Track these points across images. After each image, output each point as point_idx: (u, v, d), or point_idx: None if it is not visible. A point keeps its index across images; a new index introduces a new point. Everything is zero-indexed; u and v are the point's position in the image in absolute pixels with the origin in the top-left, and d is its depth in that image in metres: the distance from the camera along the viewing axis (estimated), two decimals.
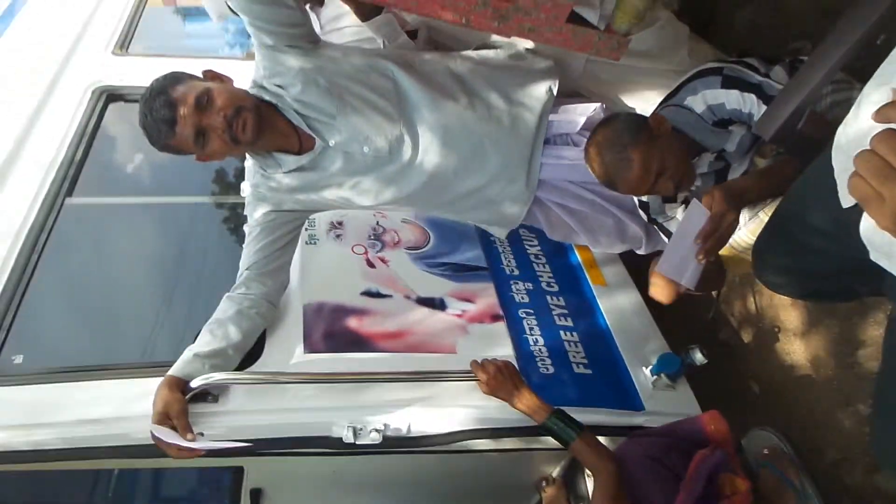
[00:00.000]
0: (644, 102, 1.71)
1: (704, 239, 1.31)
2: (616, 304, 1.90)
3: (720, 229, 1.31)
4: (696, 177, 1.52)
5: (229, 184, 2.18)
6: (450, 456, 1.64)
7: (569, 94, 1.71)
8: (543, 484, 1.82)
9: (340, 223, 1.89)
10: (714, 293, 2.01)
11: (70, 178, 1.93)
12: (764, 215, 1.66)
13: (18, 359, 1.50)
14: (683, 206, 1.61)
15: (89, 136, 2.06)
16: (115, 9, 2.75)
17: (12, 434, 1.37)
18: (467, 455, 1.67)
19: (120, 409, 1.42)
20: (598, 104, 1.63)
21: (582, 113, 1.62)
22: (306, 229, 1.80)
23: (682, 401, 1.68)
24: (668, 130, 1.41)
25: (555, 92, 1.61)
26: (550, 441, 1.59)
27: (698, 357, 1.66)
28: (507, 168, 1.61)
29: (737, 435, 1.56)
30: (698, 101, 1.42)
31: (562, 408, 1.46)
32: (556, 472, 1.86)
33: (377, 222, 1.93)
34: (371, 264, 1.81)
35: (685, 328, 2.07)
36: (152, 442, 1.35)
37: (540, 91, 1.61)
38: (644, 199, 1.64)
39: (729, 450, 1.47)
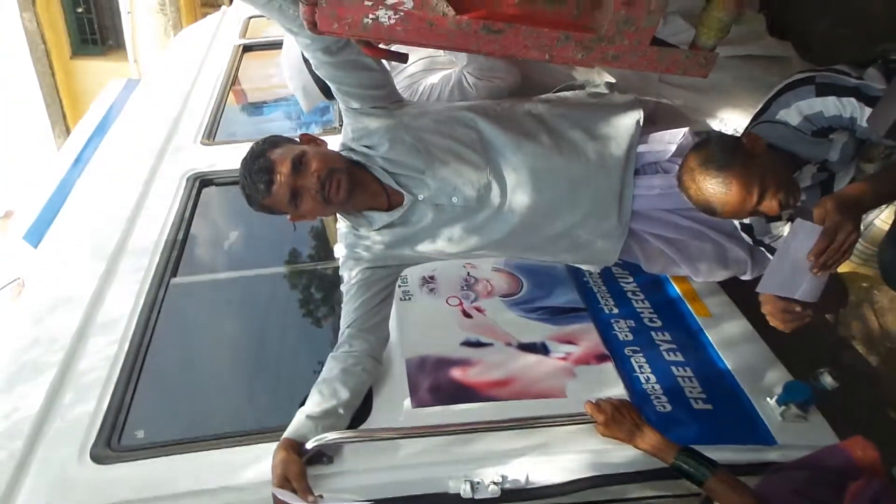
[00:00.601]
0: (730, 100, 1.66)
1: (818, 255, 1.24)
2: (725, 334, 1.80)
3: (836, 243, 1.23)
4: (801, 192, 1.45)
5: (316, 251, 2.25)
6: None
7: (649, 116, 1.68)
8: None
9: (432, 277, 1.90)
10: (829, 315, 1.89)
11: (173, 259, 2.03)
12: (881, 223, 1.56)
13: (140, 434, 1.54)
14: (789, 223, 1.54)
15: (188, 220, 2.18)
16: (199, 106, 2.97)
17: None
18: None
19: (239, 475, 1.42)
20: (686, 129, 1.60)
21: (670, 140, 1.59)
22: (399, 286, 1.82)
23: (816, 431, 1.55)
24: (765, 148, 1.36)
25: (641, 123, 1.60)
26: (678, 486, 1.49)
27: (828, 381, 1.54)
28: (598, 205, 1.59)
29: (887, 463, 1.42)
30: (793, 114, 1.38)
31: (690, 446, 1.37)
32: None
33: (468, 273, 1.93)
34: (467, 314, 1.80)
35: (802, 356, 1.94)
36: None
37: (625, 124, 1.60)
38: (746, 221, 1.58)
39: (883, 479, 1.33)
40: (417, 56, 1.90)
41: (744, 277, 1.78)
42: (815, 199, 1.41)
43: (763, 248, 1.61)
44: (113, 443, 1.50)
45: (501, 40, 1.15)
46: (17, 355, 1.76)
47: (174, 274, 1.99)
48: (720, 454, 1.42)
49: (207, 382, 1.81)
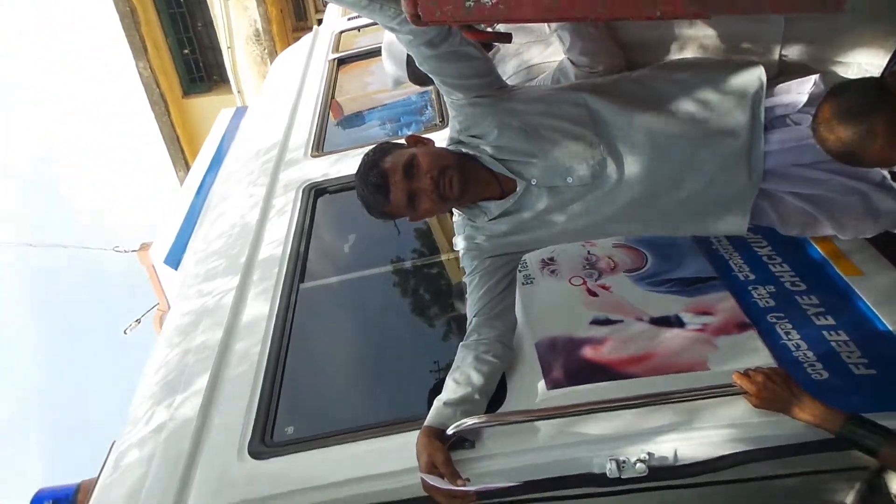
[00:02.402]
0: (860, 41, 1.51)
1: None
2: (881, 292, 1.65)
3: None
4: None
5: (426, 246, 2.29)
6: (720, 488, 1.49)
7: (775, 76, 1.57)
8: None
9: (552, 259, 1.88)
10: None
11: (300, 267, 2.14)
12: None
13: (290, 430, 1.63)
14: None
15: (308, 228, 2.29)
16: (304, 122, 3.12)
17: (289, 500, 1.47)
18: (741, 485, 1.49)
19: (385, 464, 1.47)
20: (816, 76, 1.48)
21: (799, 90, 1.47)
22: (520, 271, 1.80)
23: None
24: None
25: (763, 79, 1.50)
26: (843, 458, 1.38)
27: None
28: (724, 168, 1.50)
29: None
30: None
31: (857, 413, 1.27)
32: (850, 498, 1.60)
33: (588, 251, 1.88)
34: (593, 293, 1.75)
35: None
36: (421, 494, 1.38)
37: (745, 81, 1.50)
38: None
39: None
40: (515, 66, 1.91)
41: None
42: None
43: None
44: (267, 439, 1.60)
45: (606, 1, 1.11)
46: (172, 365, 1.92)
47: (302, 280, 2.09)
48: (892, 422, 1.31)
49: (344, 378, 1.89)
